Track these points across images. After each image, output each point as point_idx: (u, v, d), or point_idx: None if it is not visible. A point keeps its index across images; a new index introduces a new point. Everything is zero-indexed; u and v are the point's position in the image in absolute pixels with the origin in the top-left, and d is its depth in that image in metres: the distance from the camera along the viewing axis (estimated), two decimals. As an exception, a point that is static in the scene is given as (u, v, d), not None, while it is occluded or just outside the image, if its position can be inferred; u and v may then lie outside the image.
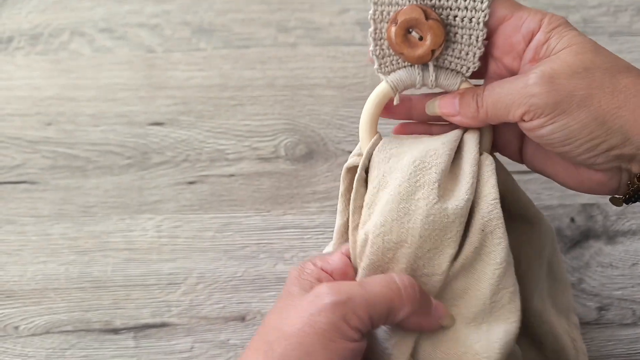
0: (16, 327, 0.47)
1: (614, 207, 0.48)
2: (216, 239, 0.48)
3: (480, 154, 0.34)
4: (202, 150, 0.50)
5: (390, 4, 0.34)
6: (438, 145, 0.33)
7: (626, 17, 0.52)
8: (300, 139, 0.50)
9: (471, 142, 0.34)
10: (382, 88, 0.35)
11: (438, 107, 0.35)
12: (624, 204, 0.33)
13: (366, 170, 0.35)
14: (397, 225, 0.31)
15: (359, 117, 0.50)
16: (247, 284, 0.48)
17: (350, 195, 0.35)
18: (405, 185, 0.32)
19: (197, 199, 0.49)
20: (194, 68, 0.51)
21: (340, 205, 0.36)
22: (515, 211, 0.37)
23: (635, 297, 0.47)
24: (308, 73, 0.51)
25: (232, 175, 0.49)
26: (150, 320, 0.47)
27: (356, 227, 0.34)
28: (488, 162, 0.33)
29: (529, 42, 0.32)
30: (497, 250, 0.32)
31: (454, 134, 0.34)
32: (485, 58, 0.34)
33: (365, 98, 0.50)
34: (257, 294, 0.47)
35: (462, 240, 0.32)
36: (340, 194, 0.36)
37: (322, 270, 0.34)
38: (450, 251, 0.32)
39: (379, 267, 0.32)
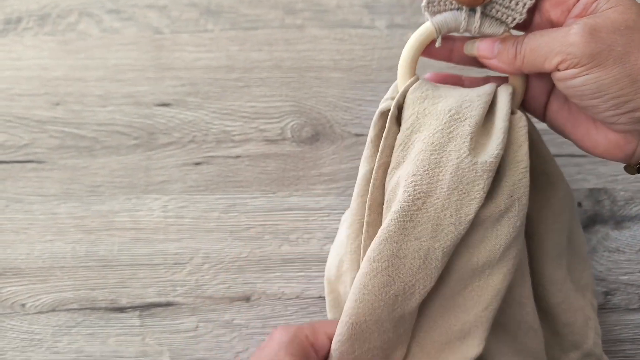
0: (23, 305, 0.47)
1: (622, 192, 0.48)
2: (222, 220, 0.48)
3: (514, 112, 0.34)
4: (208, 131, 0.50)
5: None
6: (473, 97, 0.34)
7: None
8: (306, 121, 0.50)
9: (504, 96, 0.34)
10: (425, 28, 0.35)
11: (477, 49, 0.35)
12: (637, 173, 0.34)
13: (399, 109, 0.35)
14: (428, 176, 0.32)
15: (366, 100, 0.50)
16: (252, 265, 0.48)
17: (380, 142, 0.35)
18: (439, 136, 0.32)
19: (204, 179, 0.49)
20: (201, 49, 0.51)
21: (367, 152, 0.37)
22: (538, 167, 0.38)
23: (642, 282, 0.47)
24: (315, 55, 0.51)
25: (238, 156, 0.49)
26: (156, 300, 0.47)
27: (382, 165, 0.34)
28: (522, 124, 0.34)
29: None
30: (520, 215, 0.33)
31: (489, 87, 0.35)
32: (531, 11, 0.34)
33: (372, 81, 0.50)
34: (262, 275, 0.48)
35: (488, 196, 0.33)
36: (369, 139, 0.36)
37: (312, 345, 0.36)
38: (476, 203, 0.32)
39: (409, 214, 0.33)
